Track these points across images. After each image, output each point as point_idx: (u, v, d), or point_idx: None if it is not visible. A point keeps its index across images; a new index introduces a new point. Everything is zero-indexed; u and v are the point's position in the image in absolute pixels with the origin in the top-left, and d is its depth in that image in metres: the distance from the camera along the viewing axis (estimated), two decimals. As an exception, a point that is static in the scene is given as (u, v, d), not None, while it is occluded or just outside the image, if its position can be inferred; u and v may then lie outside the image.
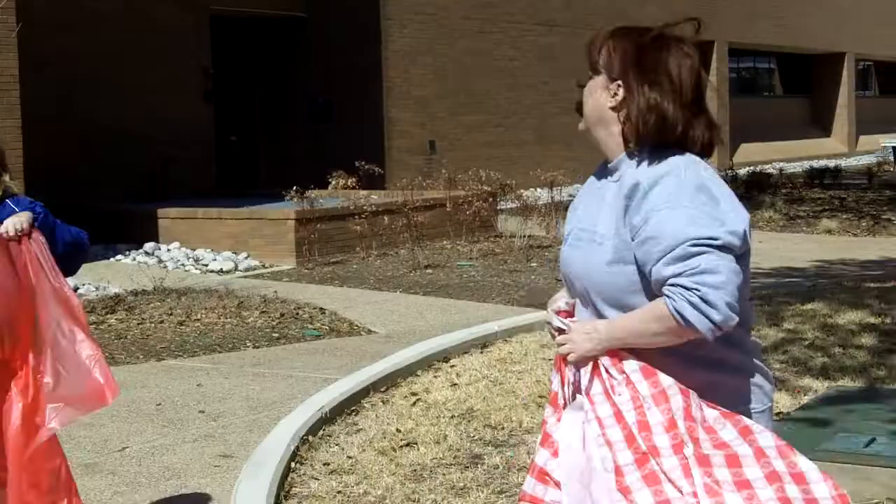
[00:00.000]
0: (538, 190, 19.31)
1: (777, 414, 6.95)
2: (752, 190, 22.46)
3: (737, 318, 2.99)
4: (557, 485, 3.19)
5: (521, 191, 18.66)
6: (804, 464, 3.02)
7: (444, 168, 19.53)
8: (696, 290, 2.96)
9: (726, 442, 3.01)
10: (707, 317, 2.96)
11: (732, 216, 3.05)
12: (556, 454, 3.20)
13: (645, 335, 3.06)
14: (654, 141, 3.14)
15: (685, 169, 3.09)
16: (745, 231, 3.05)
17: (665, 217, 3.03)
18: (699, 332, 2.98)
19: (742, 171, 24.15)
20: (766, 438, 3.05)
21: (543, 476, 3.24)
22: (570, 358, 3.14)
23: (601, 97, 3.21)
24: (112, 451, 7.14)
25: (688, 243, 2.98)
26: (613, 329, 3.10)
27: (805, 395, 7.72)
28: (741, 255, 3.07)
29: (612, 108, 3.19)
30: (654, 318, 3.04)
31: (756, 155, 34.38)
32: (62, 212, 17.01)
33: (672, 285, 2.99)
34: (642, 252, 3.06)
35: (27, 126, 14.73)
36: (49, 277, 4.39)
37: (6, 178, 4.80)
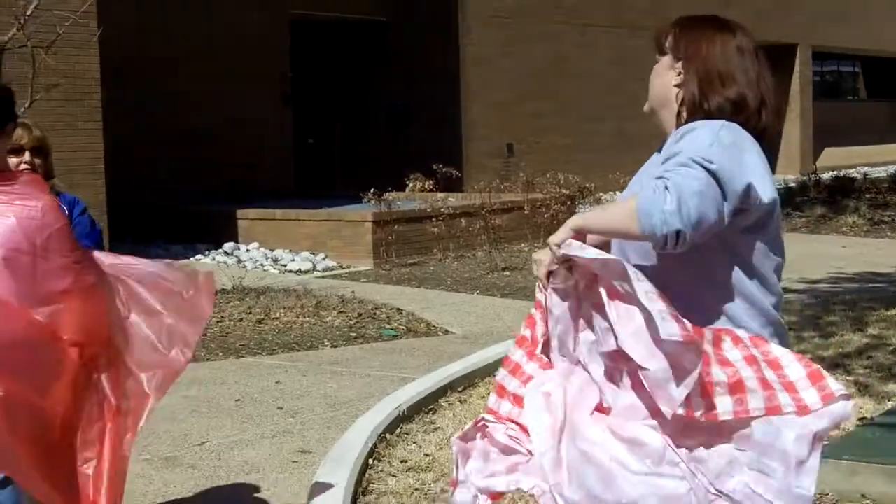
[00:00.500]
0: (617, 193, 19.18)
1: (860, 419, 6.84)
2: (835, 195, 22.12)
3: (689, 232, 2.93)
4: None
5: (600, 194, 18.58)
6: (776, 350, 3.09)
7: (521, 171, 19.47)
8: (664, 178, 2.97)
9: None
10: (659, 206, 2.92)
11: (745, 169, 3.06)
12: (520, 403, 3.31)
13: (604, 219, 3.14)
14: (694, 114, 3.23)
15: (722, 127, 3.13)
16: (750, 187, 3.06)
17: (686, 146, 3.07)
18: (644, 221, 2.94)
19: (825, 176, 23.82)
20: (741, 331, 3.11)
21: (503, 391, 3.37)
22: (550, 240, 3.14)
23: (667, 76, 3.31)
24: (192, 446, 7.17)
25: (689, 156, 3.01)
26: (582, 217, 3.15)
27: (889, 400, 7.58)
28: (753, 214, 3.10)
29: (676, 86, 3.28)
30: (620, 206, 3.10)
31: (840, 159, 33.95)
32: (144, 212, 17.15)
33: (658, 178, 3.00)
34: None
35: (109, 129, 14.89)
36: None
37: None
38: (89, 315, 4.15)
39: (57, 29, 9.41)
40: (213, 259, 15.86)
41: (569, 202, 18.13)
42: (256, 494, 6.30)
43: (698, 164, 2.98)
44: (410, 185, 16.51)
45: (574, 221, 3.10)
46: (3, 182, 4.08)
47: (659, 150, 3.30)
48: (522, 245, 17.38)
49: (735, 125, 3.16)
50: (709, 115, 3.19)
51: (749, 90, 3.21)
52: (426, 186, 16.42)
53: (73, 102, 14.11)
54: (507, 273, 14.90)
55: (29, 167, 4.71)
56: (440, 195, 17.07)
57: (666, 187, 2.93)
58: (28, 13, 8.62)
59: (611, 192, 19.50)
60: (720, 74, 3.21)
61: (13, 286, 3.96)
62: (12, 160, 4.58)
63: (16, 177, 4.17)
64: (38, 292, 4.02)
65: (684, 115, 3.24)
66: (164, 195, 17.69)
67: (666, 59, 3.32)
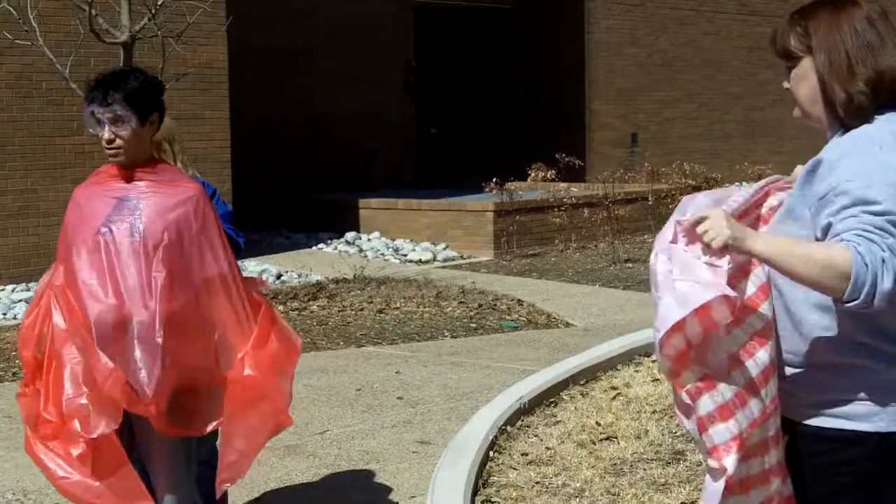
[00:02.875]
0: (744, 183, 18.88)
1: None
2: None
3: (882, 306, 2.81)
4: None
5: (727, 185, 18.27)
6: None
7: (646, 161, 19.26)
8: (876, 243, 2.80)
9: None
10: (875, 282, 2.78)
11: None
12: None
13: (786, 258, 2.87)
14: (837, 114, 3.05)
15: (881, 148, 2.95)
16: None
17: (854, 186, 2.89)
18: (853, 289, 2.79)
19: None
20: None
21: None
22: (714, 244, 2.95)
23: (810, 78, 3.10)
24: (313, 434, 7.20)
25: (875, 209, 2.84)
26: (761, 238, 2.94)
27: None
28: None
29: (820, 84, 3.08)
30: (818, 250, 2.86)
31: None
32: (267, 201, 17.36)
33: (859, 235, 2.83)
34: (820, 205, 2.93)
35: (234, 118, 15.05)
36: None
37: (179, 163, 4.88)
38: (234, 297, 4.24)
39: (187, 18, 9.52)
40: (335, 248, 15.95)
41: (694, 193, 17.85)
42: (377, 484, 6.31)
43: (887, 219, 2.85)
44: (532, 174, 16.40)
45: (740, 239, 2.91)
46: (151, 171, 4.19)
47: (812, 171, 3.05)
48: (646, 236, 17.20)
49: (882, 130, 3.00)
50: (860, 110, 3.01)
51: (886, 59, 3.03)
52: (548, 176, 16.30)
53: (200, 92, 14.28)
54: (630, 265, 14.76)
55: None
56: (562, 185, 16.96)
57: (883, 260, 2.79)
58: (159, 3, 8.73)
59: (737, 183, 19.18)
60: (856, 60, 3.02)
61: (172, 273, 4.04)
62: None
63: (159, 166, 4.26)
64: (194, 277, 4.10)
65: (840, 113, 3.05)
66: (287, 184, 17.84)
67: (805, 61, 3.10)
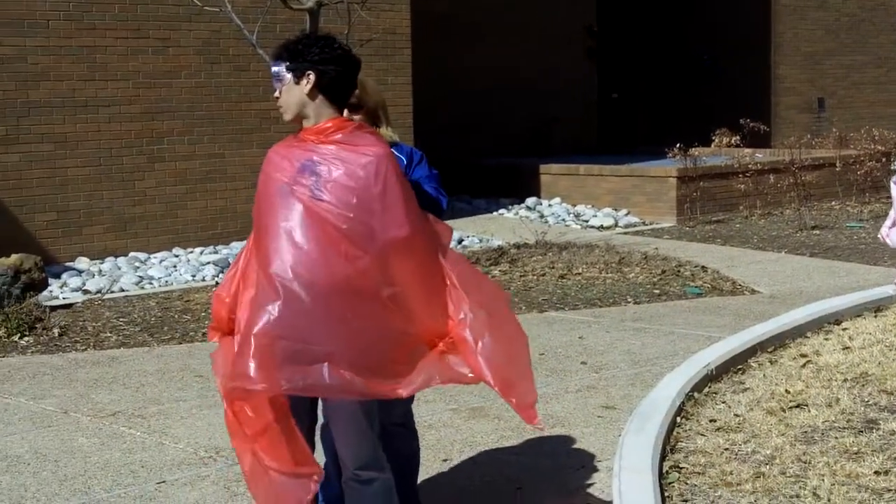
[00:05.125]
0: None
1: None
2: None
3: None
4: None
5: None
6: None
7: (833, 126, 18.78)
8: None
9: None
10: None
11: None
12: None
13: None
14: None
15: None
16: None
17: None
18: None
19: None
20: None
21: None
22: None
23: None
24: (498, 397, 7.18)
25: None
26: None
27: None
28: None
29: None
30: None
31: None
32: (449, 167, 17.49)
33: None
34: None
35: (416, 84, 15.14)
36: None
37: (387, 129, 4.89)
38: (421, 259, 4.27)
39: (371, -16, 9.59)
40: (516, 214, 15.95)
41: (883, 159, 17.38)
42: (563, 448, 6.29)
43: None
44: (716, 140, 16.13)
45: None
46: (338, 134, 4.24)
47: None
48: (833, 203, 16.82)
49: None
50: None
51: None
52: (732, 142, 16.02)
53: (383, 57, 14.40)
54: (817, 232, 14.44)
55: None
56: (747, 151, 16.67)
57: None
58: (344, -31, 8.81)
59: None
60: None
61: (353, 235, 4.08)
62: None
63: (348, 130, 4.28)
64: (377, 241, 4.12)
65: None
66: (468, 150, 17.89)
67: None
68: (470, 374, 4.23)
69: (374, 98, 4.88)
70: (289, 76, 4.26)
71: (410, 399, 4.99)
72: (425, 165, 4.90)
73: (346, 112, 4.48)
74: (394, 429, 4.91)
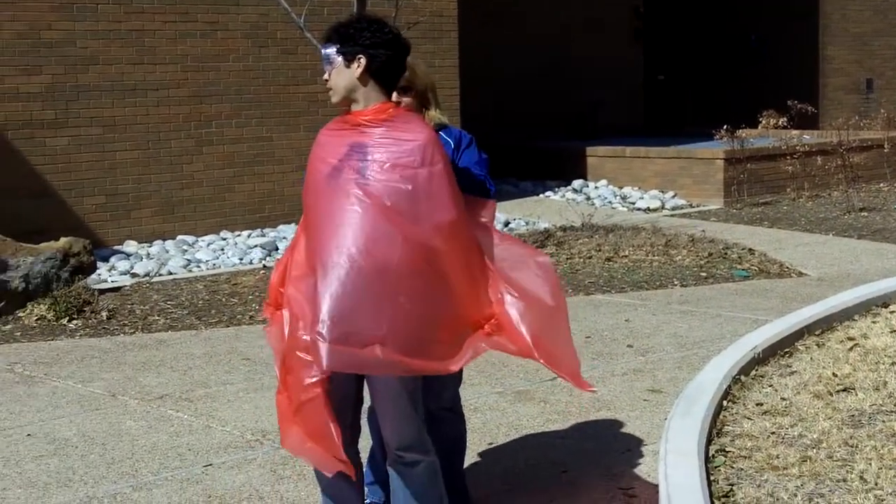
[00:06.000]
0: None
1: None
2: None
3: None
4: None
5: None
6: None
7: (881, 107, 18.62)
8: None
9: None
10: None
11: None
12: None
13: None
14: None
15: None
16: None
17: None
18: None
19: None
20: None
21: None
22: None
23: None
24: (543, 381, 7.22)
25: None
26: None
27: None
28: None
29: None
30: None
31: None
32: (496, 150, 17.50)
33: None
34: None
35: (463, 67, 15.12)
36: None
37: (435, 111, 4.89)
38: (465, 243, 4.29)
39: (418, -32, 9.59)
40: (562, 196, 15.93)
41: None
42: (609, 431, 6.29)
43: None
44: (763, 121, 16.04)
45: None
46: (386, 117, 4.26)
47: None
48: (881, 185, 16.69)
49: None
50: None
51: None
52: (780, 123, 15.93)
53: (430, 40, 14.40)
54: (865, 214, 14.33)
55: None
56: (794, 132, 16.55)
57: None
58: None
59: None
60: None
61: (399, 219, 4.10)
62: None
63: (397, 113, 4.29)
64: (423, 224, 4.14)
65: None
66: (514, 132, 17.87)
67: None
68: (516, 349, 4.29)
69: (424, 81, 4.89)
70: (339, 59, 4.26)
71: (458, 383, 5.02)
72: (474, 149, 4.90)
73: (395, 95, 4.50)
74: (442, 413, 4.94)
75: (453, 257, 4.23)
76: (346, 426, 4.31)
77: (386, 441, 4.38)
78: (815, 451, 5.51)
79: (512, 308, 4.29)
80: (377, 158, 4.17)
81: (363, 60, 4.25)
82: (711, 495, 4.98)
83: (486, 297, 4.32)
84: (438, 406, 4.91)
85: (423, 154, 4.19)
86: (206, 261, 11.65)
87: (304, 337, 4.11)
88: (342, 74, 4.27)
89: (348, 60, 4.25)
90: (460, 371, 4.97)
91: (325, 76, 4.33)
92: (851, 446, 5.57)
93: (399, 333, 4.06)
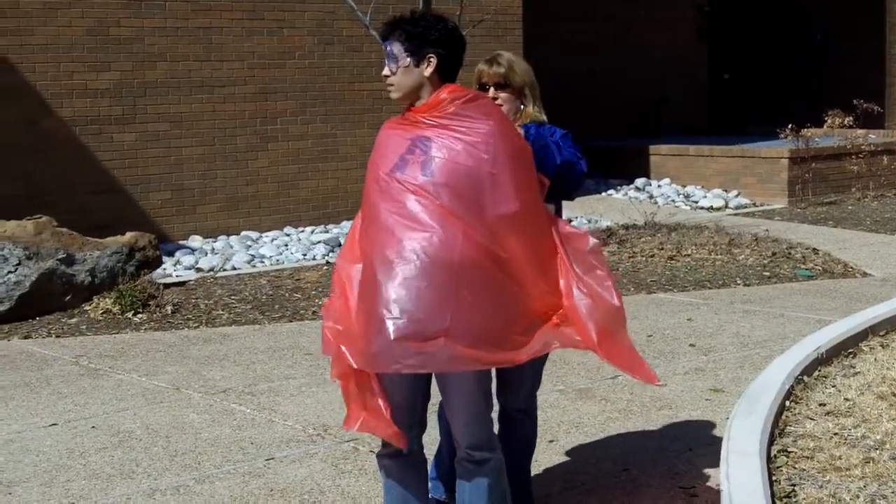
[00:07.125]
0: None
1: None
2: None
3: None
4: None
5: None
6: None
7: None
8: None
9: None
10: None
11: None
12: None
13: None
14: None
15: None
16: None
17: None
18: None
19: None
20: None
21: None
22: None
23: None
24: (605, 379, 7.22)
25: None
26: None
27: None
28: None
29: None
30: None
31: None
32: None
33: None
34: None
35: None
36: None
37: (532, 108, 4.90)
38: (535, 237, 4.30)
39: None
40: (625, 194, 15.88)
41: None
42: (670, 431, 6.28)
43: None
44: (829, 121, 15.92)
45: None
46: (449, 111, 4.23)
47: None
48: (949, 185, 16.50)
49: None
50: None
51: None
52: (845, 123, 15.80)
53: (495, 38, 14.40)
54: (932, 214, 14.19)
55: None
56: (860, 132, 16.40)
57: None
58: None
59: None
60: None
61: (463, 211, 4.10)
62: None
63: (465, 100, 4.27)
64: (487, 216, 4.15)
65: None
66: (577, 130, 17.76)
67: None
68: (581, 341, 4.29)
69: (522, 77, 4.90)
70: (407, 58, 4.23)
71: (537, 385, 5.01)
72: (567, 142, 4.90)
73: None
74: (515, 413, 4.94)
75: (520, 248, 4.22)
76: (414, 422, 4.34)
77: (456, 439, 4.39)
78: (878, 452, 5.47)
79: (580, 301, 4.30)
80: (440, 152, 4.17)
81: (434, 60, 4.22)
82: (773, 496, 4.97)
83: (555, 289, 4.32)
84: (513, 406, 4.91)
85: (487, 146, 4.18)
86: (270, 256, 11.73)
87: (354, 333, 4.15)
88: (410, 74, 4.23)
89: (418, 60, 4.21)
90: (539, 372, 4.99)
91: (386, 72, 4.30)
92: (915, 448, 5.53)
93: (463, 326, 4.06)
